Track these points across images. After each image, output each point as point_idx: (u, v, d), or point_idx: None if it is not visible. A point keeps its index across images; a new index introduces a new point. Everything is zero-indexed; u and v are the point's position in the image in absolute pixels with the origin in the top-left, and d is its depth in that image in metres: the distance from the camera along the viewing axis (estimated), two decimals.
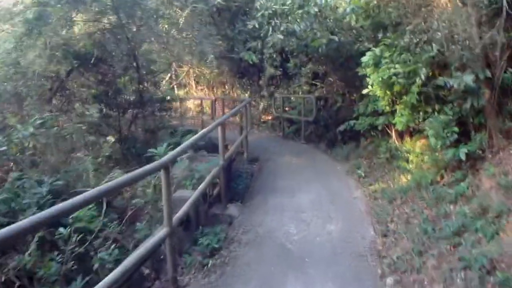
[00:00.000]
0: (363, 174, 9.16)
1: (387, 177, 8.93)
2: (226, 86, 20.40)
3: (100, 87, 10.04)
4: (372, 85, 8.45)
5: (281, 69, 16.08)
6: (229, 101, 17.24)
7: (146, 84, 10.84)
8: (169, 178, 4.48)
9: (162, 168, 4.34)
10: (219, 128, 7.17)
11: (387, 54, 7.87)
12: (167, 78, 21.67)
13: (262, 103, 17.41)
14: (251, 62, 16.02)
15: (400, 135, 9.96)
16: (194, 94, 22.19)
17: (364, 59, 8.16)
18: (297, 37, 12.69)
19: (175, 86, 23.36)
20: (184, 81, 23.14)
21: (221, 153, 7.19)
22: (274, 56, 15.93)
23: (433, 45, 7.33)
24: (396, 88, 7.93)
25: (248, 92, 18.11)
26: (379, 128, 10.06)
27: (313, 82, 15.05)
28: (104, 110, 10.07)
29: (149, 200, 6.19)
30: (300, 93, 15.30)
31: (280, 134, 14.66)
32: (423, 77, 7.36)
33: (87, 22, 9.85)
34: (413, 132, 9.05)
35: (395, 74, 7.79)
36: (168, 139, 10.45)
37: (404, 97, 8.18)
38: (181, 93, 23.04)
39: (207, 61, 17.17)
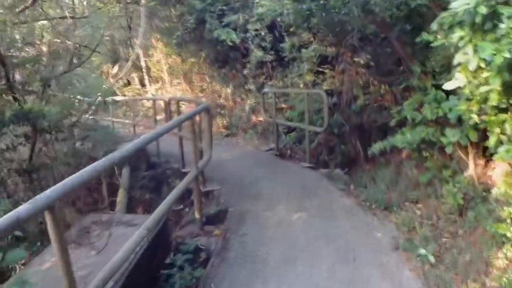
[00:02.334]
0: (430, 258, 4.42)
1: (472, 255, 4.33)
2: (207, 79, 15.59)
3: None
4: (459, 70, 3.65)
5: (272, 52, 11.33)
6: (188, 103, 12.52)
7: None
8: None
9: None
10: None
11: None
12: (112, 71, 16.94)
13: (249, 101, 12.62)
14: (230, 44, 11.31)
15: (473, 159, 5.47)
16: (168, 90, 17.46)
17: (455, 4, 3.32)
18: None
19: (147, 82, 18.68)
20: (156, 75, 18.40)
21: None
22: (263, 34, 11.21)
23: None
24: None
25: (231, 86, 13.32)
26: (449, 150, 5.43)
27: (320, 69, 10.30)
28: None
29: None
30: (302, 85, 10.56)
31: (273, 146, 9.86)
32: None
33: None
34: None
35: None
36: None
37: None
38: (153, 89, 18.37)
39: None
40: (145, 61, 18.11)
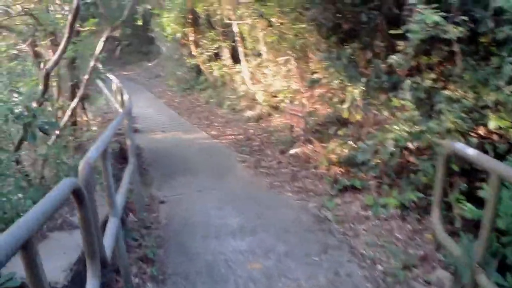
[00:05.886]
0: None
1: None
2: (321, 62, 9.03)
3: None
4: None
5: (465, 18, 4.56)
6: None
7: None
8: None
9: None
10: None
11: None
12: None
13: (397, 126, 5.80)
14: None
15: None
16: (267, 73, 11.33)
17: None
18: None
19: (241, 57, 12.74)
20: (252, 47, 12.28)
21: None
22: None
23: None
24: None
25: (361, 84, 6.69)
26: None
27: None
28: None
29: None
30: None
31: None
32: None
33: None
34: None
35: None
36: None
37: None
38: (248, 67, 12.37)
39: None
40: (238, 26, 12.09)
